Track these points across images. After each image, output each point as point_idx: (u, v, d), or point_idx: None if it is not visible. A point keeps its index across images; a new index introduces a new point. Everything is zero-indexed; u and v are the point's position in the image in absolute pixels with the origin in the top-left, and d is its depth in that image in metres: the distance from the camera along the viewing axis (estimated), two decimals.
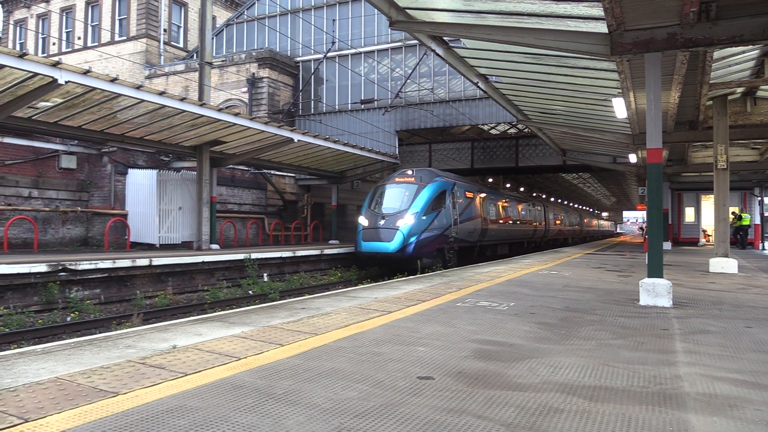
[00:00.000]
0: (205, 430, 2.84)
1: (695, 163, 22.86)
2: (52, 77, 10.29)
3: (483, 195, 22.75)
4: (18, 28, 37.23)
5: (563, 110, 15.96)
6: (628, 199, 69.70)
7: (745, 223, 27.28)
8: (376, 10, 9.28)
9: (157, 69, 30.65)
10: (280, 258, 17.11)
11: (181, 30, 33.52)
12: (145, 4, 31.20)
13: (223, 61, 28.44)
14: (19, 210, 15.15)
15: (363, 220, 18.31)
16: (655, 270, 7.47)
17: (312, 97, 28.70)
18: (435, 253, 18.13)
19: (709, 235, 30.77)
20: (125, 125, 14.38)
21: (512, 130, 30.36)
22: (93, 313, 10.90)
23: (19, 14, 37.04)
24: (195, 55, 30.20)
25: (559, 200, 53.95)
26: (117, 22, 32.60)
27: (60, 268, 10.97)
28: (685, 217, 33.29)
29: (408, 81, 24.96)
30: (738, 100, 14.08)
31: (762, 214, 29.64)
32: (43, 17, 35.82)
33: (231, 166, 20.36)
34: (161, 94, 12.79)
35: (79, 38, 33.74)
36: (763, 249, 28.24)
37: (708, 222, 29.94)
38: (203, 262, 14.49)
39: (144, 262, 12.81)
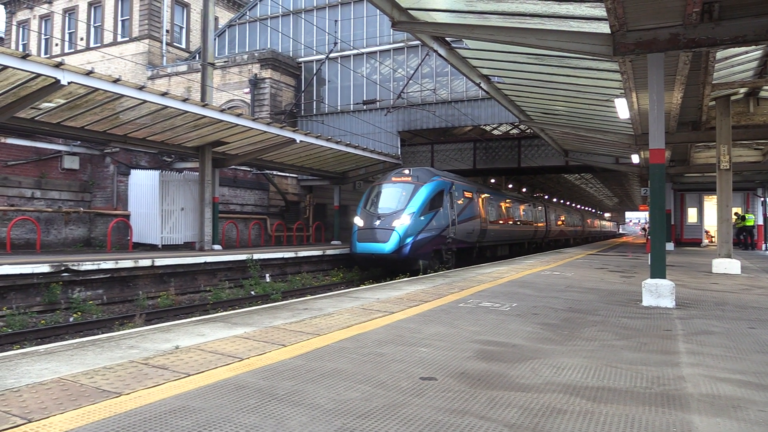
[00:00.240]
0: (207, 430, 2.84)
1: (698, 163, 22.81)
2: (54, 78, 10.32)
3: (482, 195, 22.48)
4: (21, 29, 37.31)
5: (565, 111, 15.92)
6: (631, 199, 69.57)
7: (749, 224, 27.18)
8: (378, 10, 9.29)
9: (160, 70, 30.69)
10: (283, 259, 17.11)
11: (184, 31, 33.56)
12: (148, 5, 31.27)
13: (225, 61, 28.46)
14: (22, 210, 15.19)
15: (358, 221, 17.76)
16: (658, 271, 7.45)
17: (314, 98, 28.70)
18: (432, 255, 17.67)
19: (712, 236, 30.70)
20: (128, 126, 14.40)
21: (514, 131, 30.33)
22: (95, 314, 10.92)
23: (22, 15, 37.13)
24: (197, 55, 30.23)
25: (562, 201, 53.91)
26: (119, 23, 32.66)
27: (63, 268, 10.99)
28: (687, 218, 33.22)
29: (410, 82, 24.92)
30: (741, 100, 14.05)
31: (765, 215, 29.52)
32: (46, 18, 35.90)
33: (233, 166, 20.39)
34: (164, 94, 12.81)
35: (81, 39, 33.80)
36: (766, 250, 28.15)
37: (711, 223, 29.88)
38: (205, 263, 14.51)
39: (146, 262, 12.83)
